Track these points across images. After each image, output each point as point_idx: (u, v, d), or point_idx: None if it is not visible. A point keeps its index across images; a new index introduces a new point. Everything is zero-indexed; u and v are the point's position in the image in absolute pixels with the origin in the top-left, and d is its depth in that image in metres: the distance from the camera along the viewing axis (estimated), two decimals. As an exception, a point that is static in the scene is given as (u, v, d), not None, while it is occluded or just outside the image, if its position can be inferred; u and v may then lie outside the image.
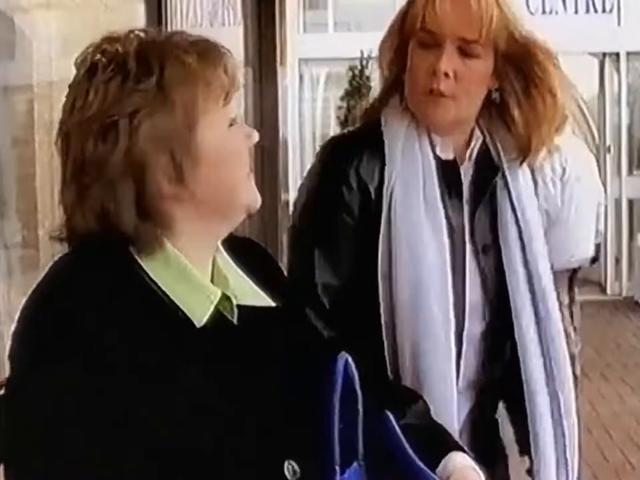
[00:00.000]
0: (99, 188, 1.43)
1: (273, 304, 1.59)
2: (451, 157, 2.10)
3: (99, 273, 1.43)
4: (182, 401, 1.40)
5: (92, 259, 1.45)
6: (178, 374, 1.41)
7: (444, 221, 2.04)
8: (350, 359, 1.55)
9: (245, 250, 1.65)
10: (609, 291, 11.05)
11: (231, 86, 1.50)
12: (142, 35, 1.49)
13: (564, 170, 8.04)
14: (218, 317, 1.50)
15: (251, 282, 1.59)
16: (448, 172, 2.08)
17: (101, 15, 4.21)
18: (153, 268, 1.47)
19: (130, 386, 1.36)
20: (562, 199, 8.26)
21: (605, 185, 11.64)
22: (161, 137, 1.43)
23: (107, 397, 1.35)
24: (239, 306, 1.54)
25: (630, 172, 11.22)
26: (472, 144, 2.11)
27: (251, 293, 1.58)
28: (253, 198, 1.56)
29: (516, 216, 2.11)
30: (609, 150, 11.12)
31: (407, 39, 2.04)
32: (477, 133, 2.12)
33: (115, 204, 1.43)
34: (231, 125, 1.51)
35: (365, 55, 9.52)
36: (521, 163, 2.12)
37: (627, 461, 5.63)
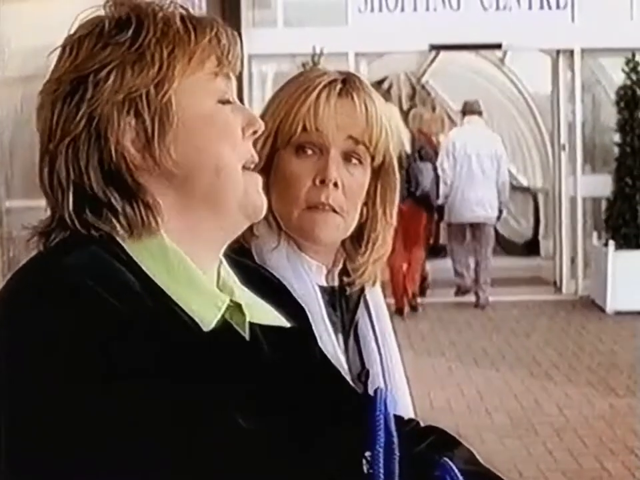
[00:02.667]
0: (63, 152, 1.24)
1: (288, 324, 1.36)
2: (324, 282, 1.82)
3: (85, 257, 1.21)
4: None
5: (73, 244, 1.24)
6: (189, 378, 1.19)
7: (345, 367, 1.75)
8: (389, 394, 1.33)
9: (253, 277, 1.42)
10: (564, 290, 10.96)
11: (224, 59, 1.31)
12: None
13: (454, 146, 9.94)
14: (227, 328, 1.27)
15: (261, 300, 1.36)
16: (329, 303, 1.81)
17: (47, 9, 4.04)
18: (145, 261, 1.25)
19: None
20: (454, 170, 10.08)
21: (559, 183, 11.64)
22: (126, 94, 1.25)
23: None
24: (250, 323, 1.30)
25: (584, 170, 11.13)
26: (336, 267, 1.85)
27: (262, 310, 1.34)
28: (253, 199, 1.31)
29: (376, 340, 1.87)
30: (563, 148, 11.05)
31: (277, 150, 1.78)
32: (341, 252, 1.85)
33: (80, 167, 1.24)
34: (221, 102, 1.31)
35: (317, 51, 9.34)
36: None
37: (603, 467, 5.46)
